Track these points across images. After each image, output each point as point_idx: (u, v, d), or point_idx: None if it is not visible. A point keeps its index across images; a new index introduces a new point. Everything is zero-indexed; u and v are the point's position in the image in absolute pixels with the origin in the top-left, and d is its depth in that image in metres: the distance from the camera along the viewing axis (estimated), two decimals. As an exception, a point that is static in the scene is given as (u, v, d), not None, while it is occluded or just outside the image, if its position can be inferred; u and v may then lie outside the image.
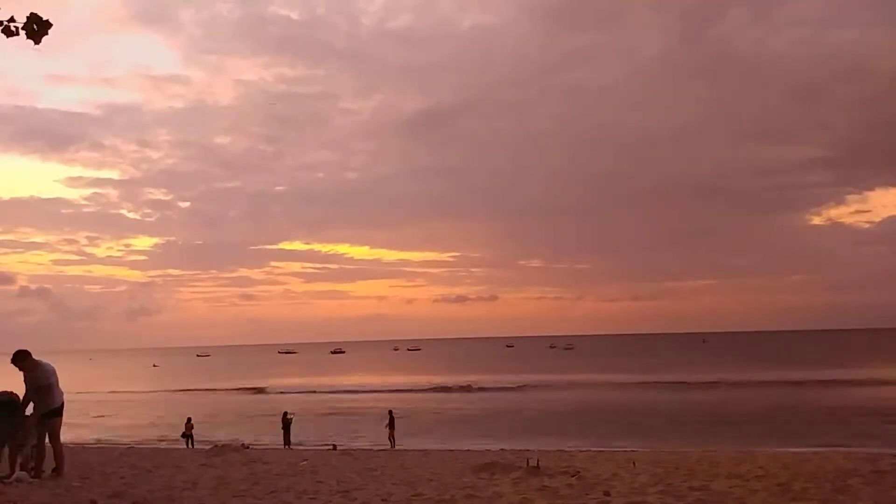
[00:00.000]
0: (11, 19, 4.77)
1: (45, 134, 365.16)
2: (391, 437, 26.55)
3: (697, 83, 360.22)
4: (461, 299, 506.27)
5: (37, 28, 4.86)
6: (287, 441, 26.76)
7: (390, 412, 27.56)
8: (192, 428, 27.24)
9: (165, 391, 65.10)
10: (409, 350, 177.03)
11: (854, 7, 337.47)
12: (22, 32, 4.83)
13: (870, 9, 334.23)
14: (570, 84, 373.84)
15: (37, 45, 4.96)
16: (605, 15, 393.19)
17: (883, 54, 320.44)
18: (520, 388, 57.21)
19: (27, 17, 4.82)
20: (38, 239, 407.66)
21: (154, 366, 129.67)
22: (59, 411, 9.42)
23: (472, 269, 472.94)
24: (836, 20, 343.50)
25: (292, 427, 27.43)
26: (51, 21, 4.89)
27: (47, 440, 9.38)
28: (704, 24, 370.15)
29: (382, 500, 8.32)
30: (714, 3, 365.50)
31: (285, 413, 28.06)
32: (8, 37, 4.80)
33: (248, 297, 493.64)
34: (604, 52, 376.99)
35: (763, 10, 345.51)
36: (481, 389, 57.31)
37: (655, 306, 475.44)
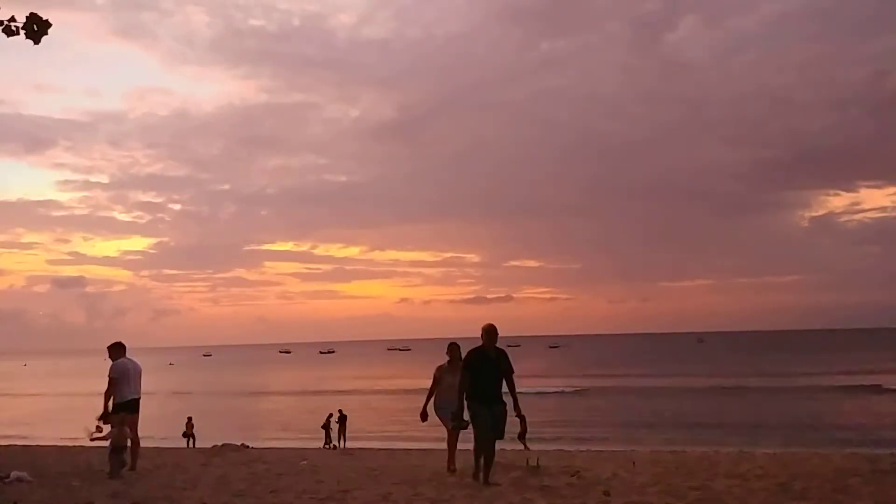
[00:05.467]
0: (12, 19, 4.79)
1: (33, 139, 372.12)
2: (341, 436, 26.69)
3: (663, 89, 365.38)
4: (460, 300, 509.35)
5: (37, 28, 4.87)
6: (330, 439, 26.78)
7: (340, 411, 27.64)
8: (193, 427, 27.24)
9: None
10: (396, 350, 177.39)
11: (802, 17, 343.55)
12: (22, 32, 4.85)
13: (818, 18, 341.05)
14: (547, 88, 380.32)
15: (36, 45, 4.97)
16: (570, 23, 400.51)
17: (851, 64, 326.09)
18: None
19: (27, 17, 4.83)
20: (32, 240, 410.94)
21: (170, 364, 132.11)
22: (130, 406, 10.25)
23: (466, 269, 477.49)
24: (785, 30, 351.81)
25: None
26: (50, 21, 4.90)
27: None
28: (659, 32, 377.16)
29: (382, 499, 8.31)
30: (667, 11, 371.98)
31: (337, 412, 27.89)
32: (9, 36, 4.81)
33: (245, 297, 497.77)
34: (572, 59, 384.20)
35: (715, 18, 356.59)
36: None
37: (649, 306, 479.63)
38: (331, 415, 27.66)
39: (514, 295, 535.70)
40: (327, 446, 25.17)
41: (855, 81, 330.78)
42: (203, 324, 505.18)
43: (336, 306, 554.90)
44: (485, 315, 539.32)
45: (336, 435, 26.80)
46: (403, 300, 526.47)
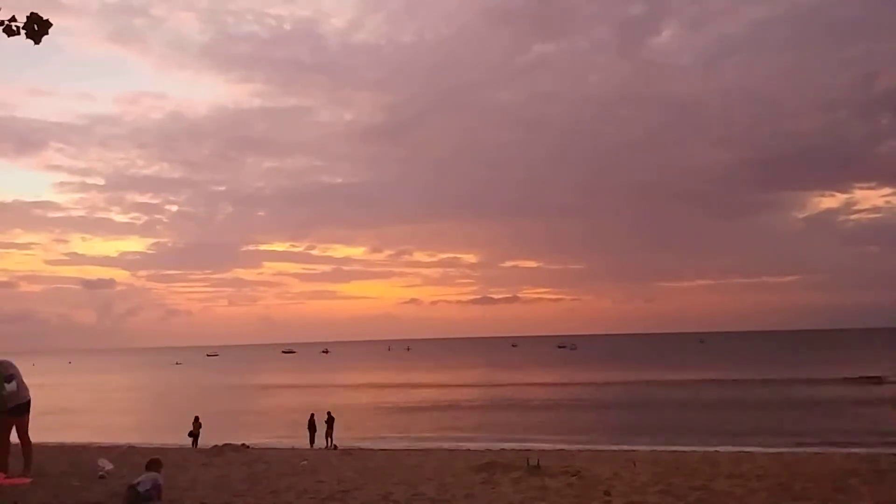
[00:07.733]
0: (13, 19, 4.79)
1: (28, 142, 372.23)
2: (328, 437, 26.71)
3: (654, 91, 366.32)
4: (467, 300, 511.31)
5: (37, 28, 4.88)
6: (314, 439, 26.75)
7: (328, 413, 27.63)
8: (200, 427, 27.20)
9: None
10: (398, 349, 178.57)
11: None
12: (22, 32, 4.86)
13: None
14: (539, 90, 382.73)
15: (37, 45, 4.98)
16: (559, 26, 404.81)
17: (838, 67, 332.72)
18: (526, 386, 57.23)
19: (27, 17, 4.84)
20: (29, 240, 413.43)
21: (177, 363, 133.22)
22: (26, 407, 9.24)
23: (465, 270, 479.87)
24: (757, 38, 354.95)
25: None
26: (50, 21, 4.92)
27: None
28: (644, 36, 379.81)
29: (383, 499, 8.32)
30: (651, 16, 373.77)
31: (313, 414, 27.98)
32: (9, 36, 4.82)
33: (246, 297, 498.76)
34: (562, 62, 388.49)
35: (697, 23, 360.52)
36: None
37: (652, 307, 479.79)
38: (312, 415, 27.88)
39: (520, 295, 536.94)
40: (313, 446, 25.39)
41: (843, 84, 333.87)
42: (205, 324, 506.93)
43: (336, 306, 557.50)
44: (490, 315, 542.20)
45: (323, 435, 27.03)
46: (412, 300, 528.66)
